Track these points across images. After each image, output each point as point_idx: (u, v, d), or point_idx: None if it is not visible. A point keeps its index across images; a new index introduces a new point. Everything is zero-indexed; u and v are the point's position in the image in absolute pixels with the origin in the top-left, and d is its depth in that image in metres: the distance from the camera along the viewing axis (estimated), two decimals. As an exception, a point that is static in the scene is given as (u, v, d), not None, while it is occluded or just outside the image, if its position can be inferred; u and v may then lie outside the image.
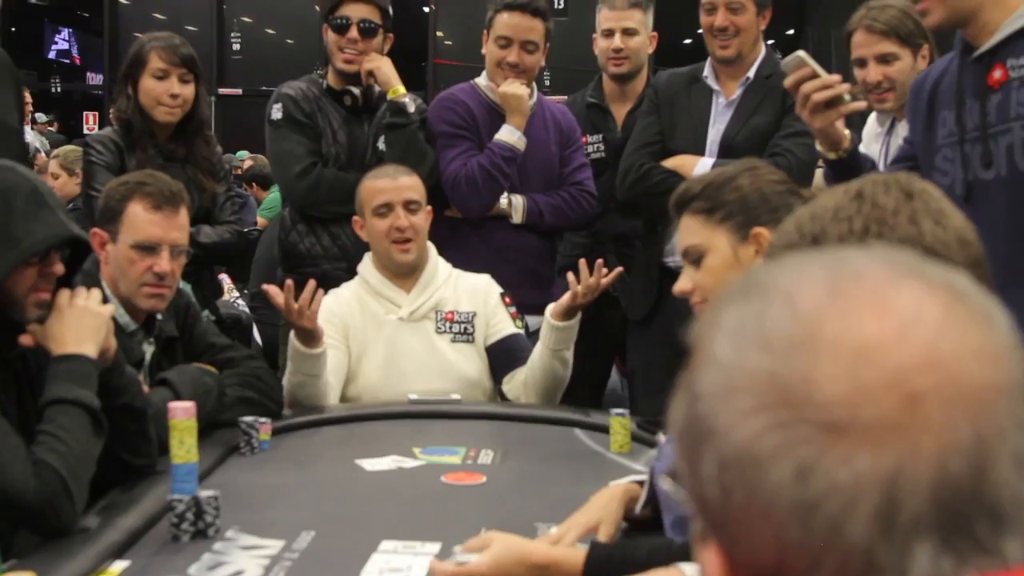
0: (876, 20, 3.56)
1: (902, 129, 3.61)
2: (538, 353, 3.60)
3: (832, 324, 0.72)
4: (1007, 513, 0.70)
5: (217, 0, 17.36)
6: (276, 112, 4.16)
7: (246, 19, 17.06)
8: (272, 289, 3.34)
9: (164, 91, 3.99)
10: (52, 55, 19.50)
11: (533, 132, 4.15)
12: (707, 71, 4.10)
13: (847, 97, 2.78)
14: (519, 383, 3.67)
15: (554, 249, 4.31)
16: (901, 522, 0.68)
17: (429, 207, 3.77)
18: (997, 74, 2.56)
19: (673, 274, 3.06)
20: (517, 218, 4.13)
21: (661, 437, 2.36)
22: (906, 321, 0.72)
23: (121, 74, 4.13)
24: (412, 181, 3.71)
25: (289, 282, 3.31)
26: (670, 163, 3.96)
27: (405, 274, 3.71)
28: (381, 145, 4.18)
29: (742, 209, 2.21)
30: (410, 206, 3.66)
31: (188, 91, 4.03)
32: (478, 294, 3.76)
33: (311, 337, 3.35)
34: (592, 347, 4.08)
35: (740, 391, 0.73)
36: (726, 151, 3.93)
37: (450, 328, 3.70)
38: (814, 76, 2.80)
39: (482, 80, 4.29)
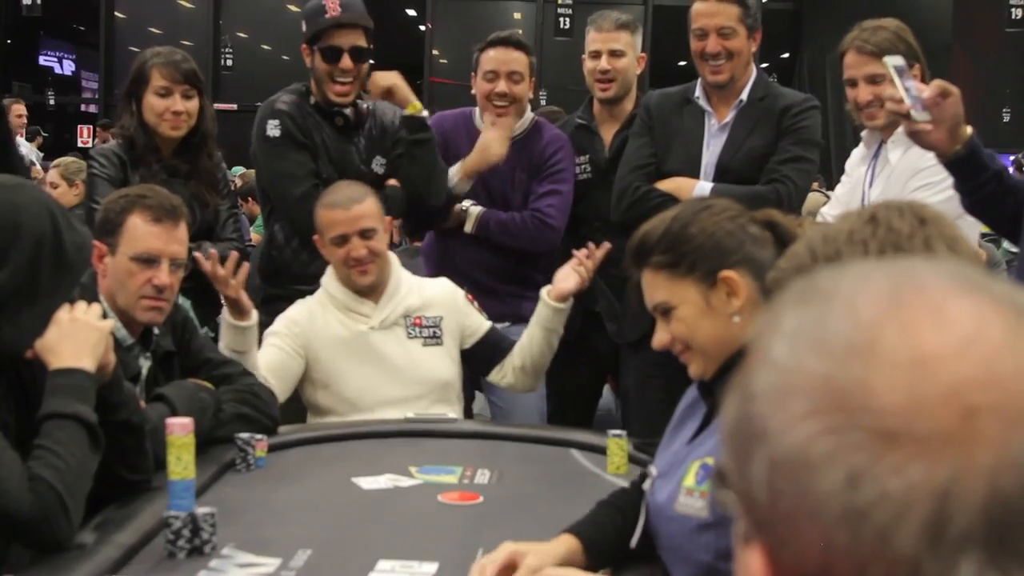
0: (867, 42, 3.58)
1: (891, 152, 3.63)
2: (534, 336, 3.73)
3: (892, 333, 0.72)
4: None
5: (213, 15, 17.42)
6: (273, 129, 4.10)
7: (241, 35, 17.11)
8: (199, 256, 3.42)
9: (167, 108, 3.99)
10: (48, 68, 19.50)
11: (510, 155, 4.26)
12: (698, 92, 4.08)
13: (913, 114, 2.79)
14: (513, 368, 3.78)
15: (511, 268, 4.33)
16: (950, 535, 0.67)
17: (388, 218, 3.83)
18: None
19: None
20: (468, 227, 4.28)
21: (652, 470, 2.34)
22: (967, 335, 0.71)
23: (124, 92, 4.13)
24: (365, 209, 3.66)
25: (213, 251, 3.45)
26: (667, 186, 3.94)
27: (368, 291, 3.72)
28: (375, 167, 4.18)
29: (704, 257, 2.18)
30: (366, 234, 3.64)
31: (192, 106, 4.05)
32: (443, 298, 3.80)
33: (238, 309, 3.46)
34: (581, 367, 4.08)
35: (795, 393, 0.72)
36: (721, 174, 3.93)
37: (420, 333, 3.73)
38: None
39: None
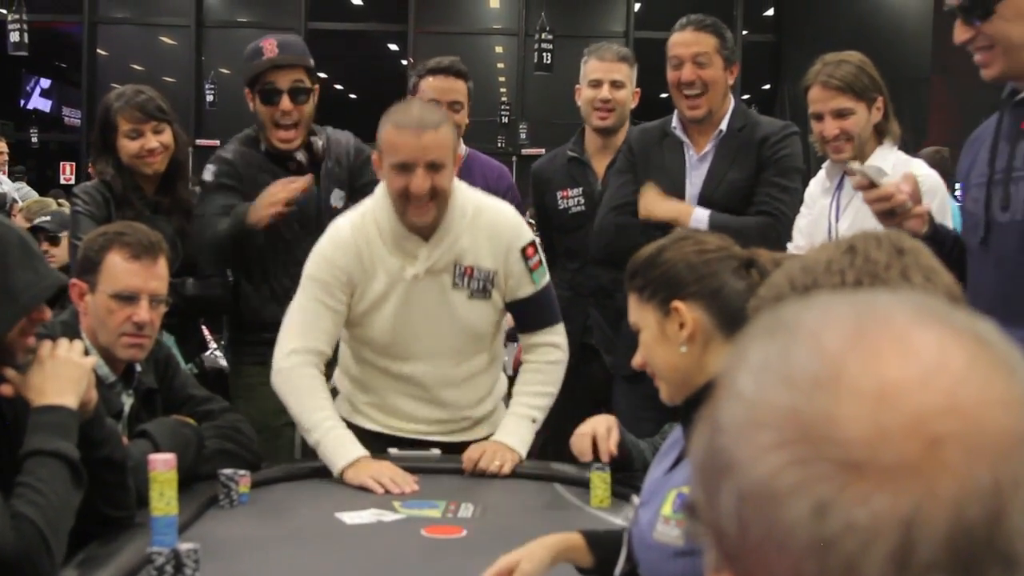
0: (832, 76, 3.60)
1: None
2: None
3: (856, 365, 0.73)
4: (1020, 562, 0.70)
5: (195, 52, 17.45)
6: (208, 174, 4.02)
7: (224, 71, 17.12)
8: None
9: (141, 147, 3.98)
10: (30, 106, 19.50)
11: None
12: (675, 123, 4.08)
13: (909, 204, 2.78)
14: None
15: None
16: (915, 564, 0.68)
17: (459, 152, 3.61)
18: None
19: None
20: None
21: (635, 500, 2.36)
22: (930, 366, 0.72)
23: (95, 140, 4.13)
24: (438, 138, 3.22)
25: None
26: (664, 212, 3.86)
27: (419, 229, 3.37)
28: (334, 202, 4.05)
29: (664, 285, 2.22)
30: (433, 166, 3.23)
31: (166, 139, 4.03)
32: (500, 248, 3.43)
33: None
34: (574, 400, 4.08)
35: (762, 426, 0.73)
36: (705, 207, 3.93)
37: (467, 284, 3.43)
38: (873, 186, 2.81)
39: None
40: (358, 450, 3.26)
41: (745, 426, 0.74)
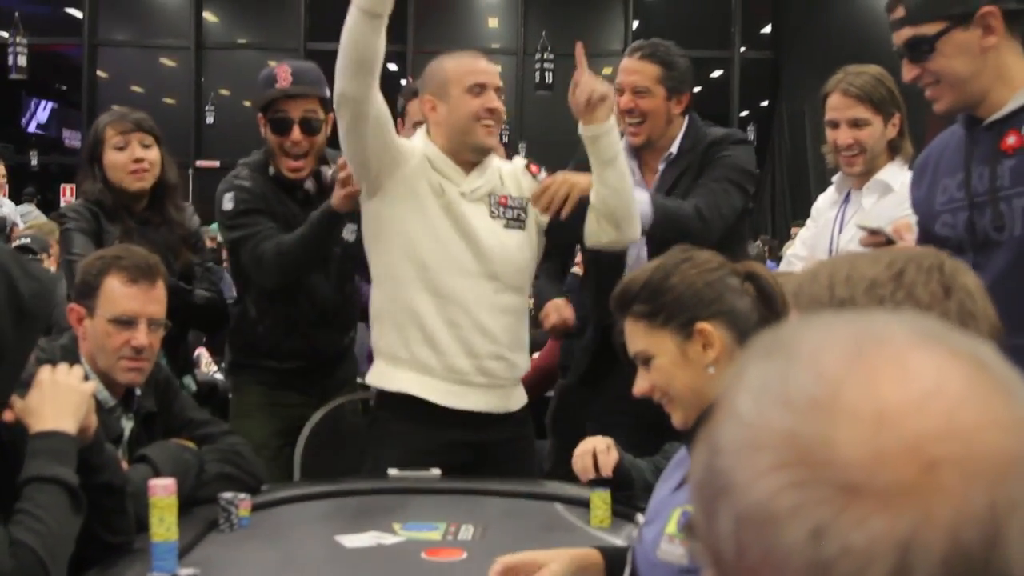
0: (852, 85, 3.64)
1: (865, 198, 3.66)
2: (598, 179, 3.56)
3: (854, 388, 0.73)
4: None
5: (195, 73, 17.50)
6: (228, 203, 3.93)
7: (224, 92, 17.17)
8: None
9: (128, 158, 3.96)
10: (31, 128, 19.54)
11: None
12: (624, 148, 3.89)
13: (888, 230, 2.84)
14: (599, 221, 3.60)
15: None
16: None
17: None
18: (1011, 140, 2.66)
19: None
20: None
21: (640, 518, 2.37)
22: (927, 389, 0.72)
23: (84, 159, 4.10)
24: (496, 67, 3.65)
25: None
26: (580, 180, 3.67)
27: (467, 159, 3.59)
28: (346, 235, 3.97)
29: (681, 309, 2.22)
30: (498, 90, 3.58)
31: (152, 155, 4.00)
32: (518, 178, 3.71)
33: None
34: (575, 428, 4.09)
35: (760, 448, 0.73)
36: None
37: (504, 213, 3.62)
38: (890, 241, 2.85)
39: None
40: None
41: (743, 448, 0.74)
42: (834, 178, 3.87)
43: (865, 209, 3.64)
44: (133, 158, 3.95)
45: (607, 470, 3.02)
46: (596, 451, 3.06)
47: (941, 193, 2.81)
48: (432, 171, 3.54)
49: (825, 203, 3.87)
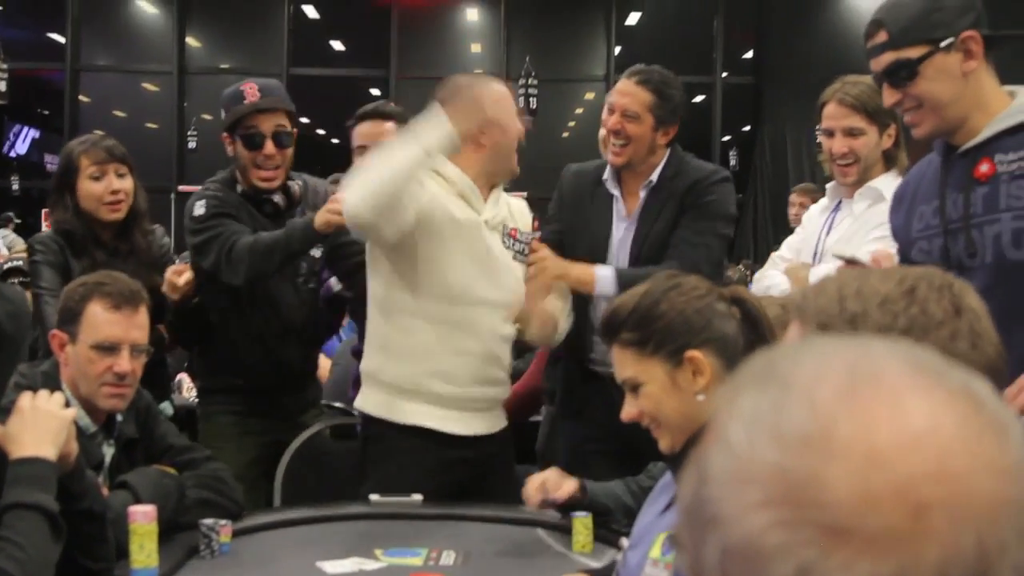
0: (848, 94, 3.65)
1: (856, 203, 3.68)
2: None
3: (846, 426, 0.72)
4: None
5: (177, 98, 17.49)
6: (199, 208, 3.91)
7: (206, 116, 17.17)
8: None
9: (104, 189, 3.98)
10: (12, 153, 19.48)
11: None
12: (607, 174, 3.98)
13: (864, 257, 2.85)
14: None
15: None
16: None
17: None
18: (984, 167, 2.69)
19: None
20: None
21: (624, 542, 2.37)
22: (920, 430, 0.72)
23: (54, 186, 4.10)
24: None
25: None
26: (574, 277, 3.74)
27: (491, 184, 3.67)
28: (314, 251, 4.01)
29: (671, 337, 2.22)
30: None
31: (127, 184, 4.03)
32: (527, 220, 3.79)
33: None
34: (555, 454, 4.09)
35: (750, 481, 0.73)
36: (633, 262, 3.86)
37: (513, 245, 3.67)
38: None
39: None
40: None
41: (733, 480, 0.74)
42: (828, 186, 3.89)
43: (855, 213, 3.65)
44: (111, 189, 3.98)
45: (556, 492, 3.03)
46: (547, 482, 3.06)
47: (918, 220, 2.84)
48: (455, 197, 3.55)
49: (816, 210, 3.91)
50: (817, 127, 3.81)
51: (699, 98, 19.11)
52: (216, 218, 3.87)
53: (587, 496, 3.08)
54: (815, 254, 3.69)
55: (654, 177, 3.92)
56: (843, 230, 3.67)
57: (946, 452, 0.71)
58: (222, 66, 18.31)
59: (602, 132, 4.34)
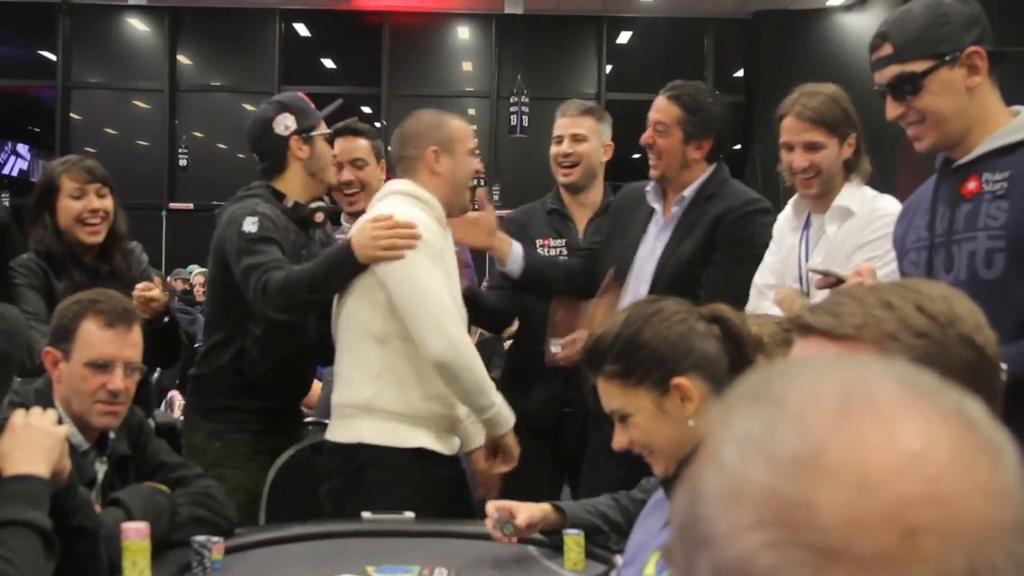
0: (806, 107, 3.59)
1: (828, 225, 3.65)
2: None
3: (838, 448, 0.72)
4: None
5: (168, 115, 17.49)
6: (250, 226, 3.91)
7: (197, 134, 17.16)
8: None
9: (83, 207, 4.00)
10: (6, 171, 19.44)
11: None
12: (650, 187, 4.09)
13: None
14: None
15: None
16: None
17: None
18: (972, 185, 2.72)
19: None
20: None
21: (618, 560, 2.37)
22: (913, 453, 0.72)
23: (33, 205, 4.12)
24: None
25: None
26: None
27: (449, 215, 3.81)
28: None
29: (655, 366, 2.21)
30: None
31: (107, 204, 4.06)
32: None
33: None
34: (543, 469, 4.10)
35: (742, 501, 0.73)
36: (655, 277, 3.93)
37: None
38: (839, 281, 2.87)
39: None
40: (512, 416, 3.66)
41: (725, 499, 0.74)
42: (791, 200, 3.81)
43: (829, 237, 3.60)
44: (90, 208, 4.00)
45: (517, 521, 3.04)
46: (511, 509, 3.06)
47: (912, 231, 2.86)
48: (434, 222, 3.67)
49: (785, 226, 3.80)
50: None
51: (690, 116, 19.07)
52: (263, 242, 3.87)
53: (566, 518, 3.08)
54: (800, 279, 3.63)
55: (687, 193, 3.98)
56: (822, 255, 3.60)
57: (938, 475, 0.71)
58: (213, 84, 18.31)
59: (552, 152, 4.44)
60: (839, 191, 3.63)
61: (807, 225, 3.69)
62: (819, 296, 3.44)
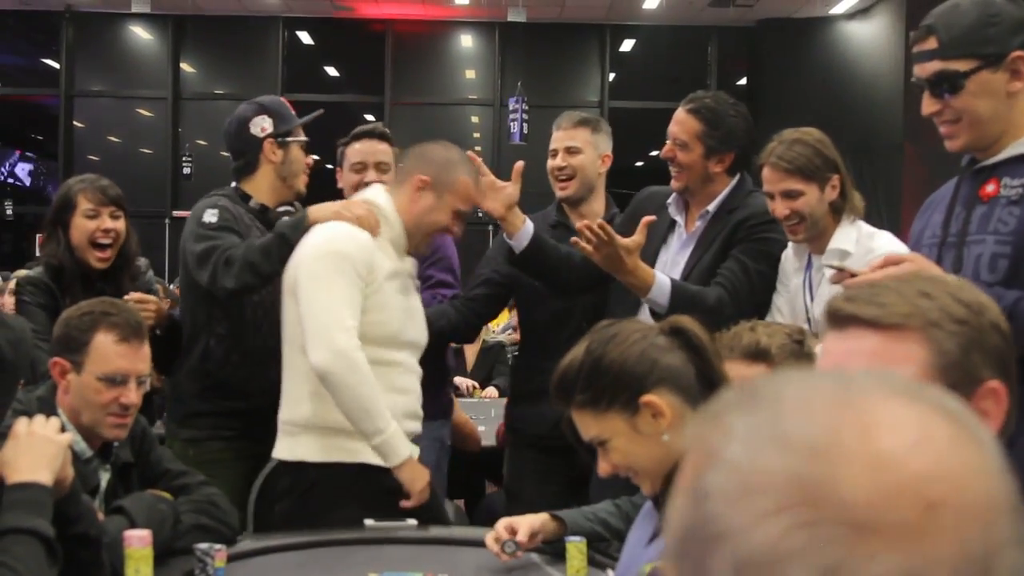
0: (781, 158, 3.57)
1: (825, 267, 3.62)
2: None
3: (849, 432, 0.74)
4: None
5: (172, 124, 17.50)
6: (209, 216, 4.03)
7: (201, 142, 17.17)
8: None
9: (97, 227, 4.05)
10: (9, 179, 19.47)
11: None
12: (672, 199, 4.02)
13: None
14: None
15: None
16: None
17: None
18: (990, 188, 2.71)
19: None
20: None
21: (611, 573, 2.37)
22: (917, 436, 0.74)
23: (48, 220, 4.16)
24: None
25: None
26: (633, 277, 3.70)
27: (410, 241, 3.78)
28: None
29: (621, 388, 2.20)
30: None
31: (120, 225, 4.12)
32: None
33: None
34: (561, 485, 4.12)
35: (757, 491, 0.73)
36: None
37: (415, 288, 3.88)
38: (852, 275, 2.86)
39: None
40: (409, 447, 3.53)
41: (737, 493, 0.74)
42: (790, 244, 3.79)
43: (829, 279, 3.57)
44: (103, 228, 4.05)
45: (518, 537, 3.04)
46: (513, 525, 3.07)
47: (929, 228, 2.85)
48: (387, 243, 3.69)
49: (790, 267, 3.79)
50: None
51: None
52: (223, 230, 3.96)
53: (566, 528, 3.08)
54: (808, 322, 3.58)
55: (711, 207, 3.94)
56: (825, 296, 3.55)
57: (943, 455, 0.73)
58: (217, 92, 18.33)
59: (550, 163, 4.41)
60: (832, 232, 3.62)
61: (809, 266, 3.68)
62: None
